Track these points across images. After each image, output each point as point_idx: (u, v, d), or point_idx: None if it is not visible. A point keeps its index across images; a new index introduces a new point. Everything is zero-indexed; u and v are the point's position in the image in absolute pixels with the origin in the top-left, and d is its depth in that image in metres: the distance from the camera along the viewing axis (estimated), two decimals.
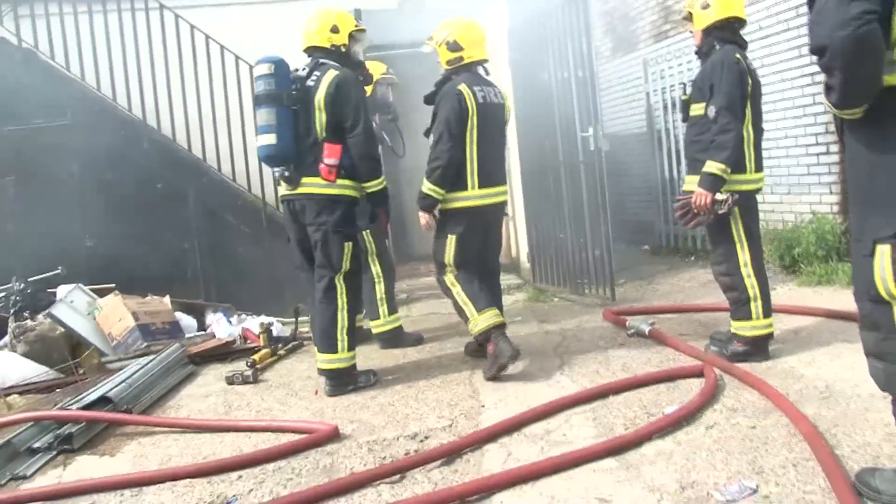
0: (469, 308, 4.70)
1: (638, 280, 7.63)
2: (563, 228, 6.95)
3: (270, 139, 4.49)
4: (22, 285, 6.36)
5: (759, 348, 4.43)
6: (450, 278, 4.81)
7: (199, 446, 3.95)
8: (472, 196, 4.75)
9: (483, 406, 4.11)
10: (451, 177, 4.70)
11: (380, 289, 5.72)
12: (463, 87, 4.69)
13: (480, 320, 4.65)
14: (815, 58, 2.38)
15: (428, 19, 7.08)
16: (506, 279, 7.66)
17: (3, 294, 6.37)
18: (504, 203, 5.06)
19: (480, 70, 4.96)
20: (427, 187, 4.71)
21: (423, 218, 4.84)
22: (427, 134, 4.87)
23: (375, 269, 5.72)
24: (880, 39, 2.23)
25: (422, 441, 3.67)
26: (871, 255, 2.37)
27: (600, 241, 6.60)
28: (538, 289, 7.23)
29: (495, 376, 4.54)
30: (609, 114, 10.77)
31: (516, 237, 7.86)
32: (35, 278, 6.51)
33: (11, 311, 6.18)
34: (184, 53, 7.28)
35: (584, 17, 6.49)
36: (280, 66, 4.53)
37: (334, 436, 3.80)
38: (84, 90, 7.24)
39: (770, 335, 4.47)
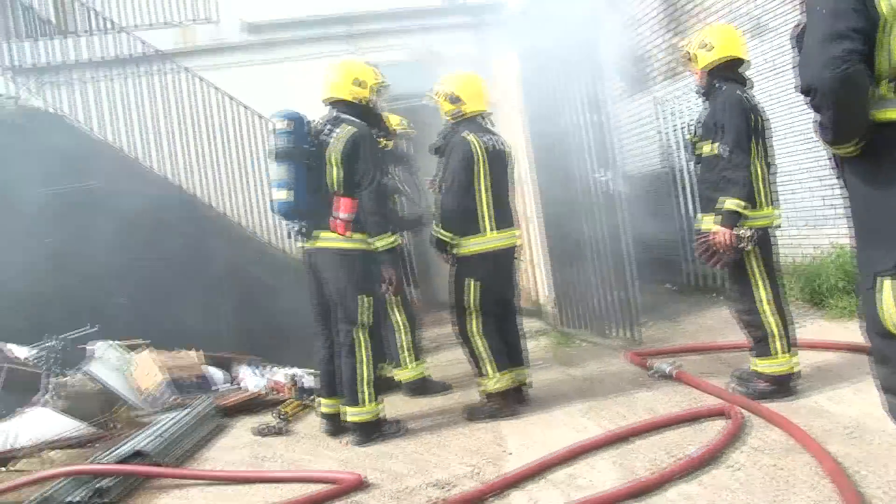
0: (488, 365, 4.81)
1: (663, 320, 7.63)
2: (586, 271, 7.00)
3: (286, 195, 4.60)
4: (57, 342, 6.52)
5: (782, 386, 4.42)
6: (472, 328, 4.88)
7: (229, 498, 4.04)
8: (490, 239, 4.87)
9: (507, 452, 4.15)
10: (463, 222, 4.83)
11: (404, 338, 5.81)
12: (470, 137, 4.83)
13: (499, 380, 4.77)
14: None
15: (445, 70, 7.30)
16: (529, 324, 7.73)
17: (39, 352, 6.53)
18: (517, 245, 5.15)
19: (482, 120, 5.09)
20: (438, 232, 4.86)
21: (441, 257, 5.02)
22: (435, 184, 5.01)
23: (397, 318, 5.81)
24: (864, 78, 2.30)
25: (447, 489, 3.71)
26: (874, 288, 2.41)
27: (623, 283, 6.65)
28: (562, 333, 7.27)
29: (485, 418, 4.75)
30: (626, 153, 10.86)
31: (540, 282, 7.90)
32: (69, 335, 6.68)
33: (48, 368, 6.33)
34: (205, 113, 7.49)
35: (592, 63, 6.62)
36: (298, 122, 4.66)
37: (360, 485, 3.86)
38: (112, 153, 7.49)
39: (793, 372, 4.47)
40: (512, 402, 4.84)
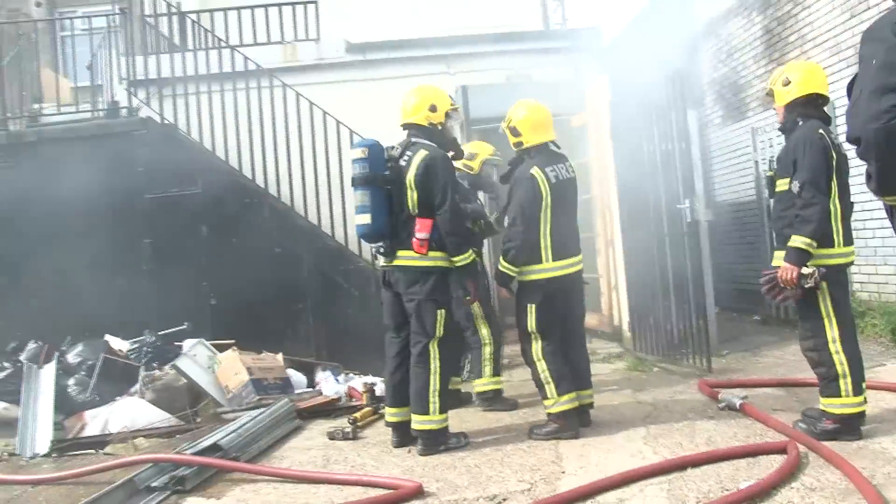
0: (551, 388, 4.92)
1: (742, 351, 7.53)
2: (665, 297, 6.99)
3: (366, 219, 4.84)
4: (153, 338, 6.97)
5: (849, 426, 4.34)
6: (536, 351, 5.00)
7: (295, 495, 4.25)
8: (547, 269, 4.98)
9: (564, 472, 4.23)
10: (527, 256, 4.95)
11: (486, 350, 5.99)
12: (536, 172, 4.94)
13: (560, 402, 4.89)
14: None
15: (535, 92, 7.44)
16: (607, 347, 7.81)
17: (136, 346, 6.99)
18: (580, 272, 5.24)
19: (549, 146, 5.17)
20: (503, 266, 4.98)
21: (502, 291, 5.17)
22: (501, 215, 5.15)
23: (483, 331, 6.00)
24: None
25: (500, 503, 3.83)
26: None
27: (701, 311, 6.62)
28: (638, 357, 7.26)
29: (544, 438, 4.86)
30: (719, 181, 10.75)
31: (619, 305, 7.92)
32: (164, 332, 7.14)
33: (142, 361, 6.76)
34: (303, 127, 7.87)
35: (681, 92, 6.64)
36: (374, 149, 4.88)
37: (418, 493, 4.01)
38: (214, 161, 7.96)
39: (862, 413, 4.39)
40: (573, 423, 4.92)
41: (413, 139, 4.99)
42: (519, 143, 5.13)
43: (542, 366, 4.96)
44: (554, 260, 4.98)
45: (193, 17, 8.73)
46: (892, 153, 2.36)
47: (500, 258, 5.00)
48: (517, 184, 5.00)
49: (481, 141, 6.90)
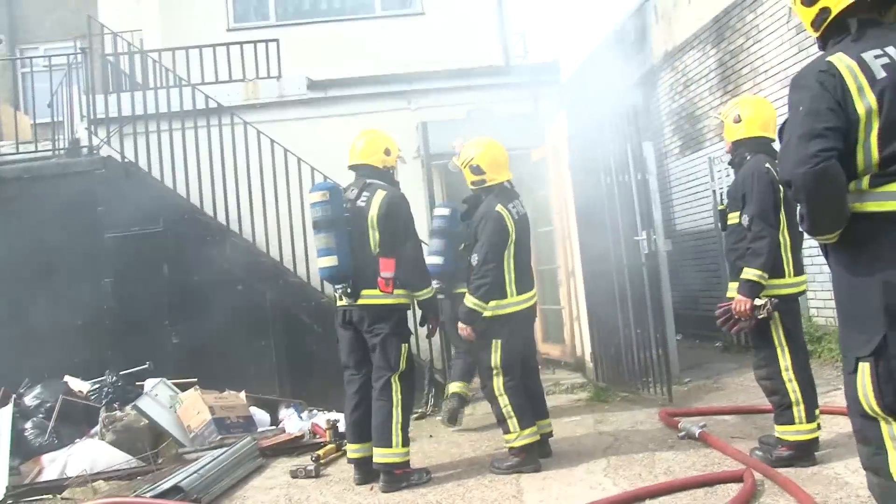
0: (513, 422, 4.95)
1: (704, 378, 7.64)
2: (626, 327, 7.07)
3: (332, 261, 4.87)
4: (113, 378, 6.89)
5: (804, 453, 4.43)
6: (498, 386, 5.02)
7: None
8: (511, 303, 5.06)
9: None
10: (496, 292, 5.01)
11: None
12: (501, 209, 5.04)
13: (523, 436, 4.93)
14: None
15: (495, 126, 7.56)
16: (570, 378, 7.87)
17: (96, 386, 6.90)
18: (535, 304, 5.34)
19: (507, 185, 5.30)
20: (472, 303, 5.01)
21: (465, 330, 5.12)
22: (466, 251, 5.23)
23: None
24: (839, 173, 2.45)
25: None
26: (854, 371, 2.51)
27: (661, 341, 6.72)
28: (600, 388, 7.32)
29: (505, 472, 4.90)
30: (678, 210, 10.94)
31: (581, 336, 7.99)
32: (125, 372, 7.05)
33: (103, 402, 6.68)
34: (264, 165, 7.90)
35: (636, 125, 6.78)
36: (334, 192, 4.98)
37: None
38: (175, 199, 7.93)
39: (815, 440, 4.48)
40: (534, 456, 4.96)
41: (368, 180, 5.07)
42: (481, 182, 5.21)
43: (504, 400, 4.99)
44: (518, 294, 5.06)
45: (155, 55, 8.74)
46: (820, 195, 2.47)
47: (469, 295, 5.03)
48: (486, 221, 5.05)
49: None
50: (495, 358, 5.01)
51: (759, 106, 4.80)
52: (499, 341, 5.02)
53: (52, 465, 5.84)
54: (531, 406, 5.07)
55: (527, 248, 5.27)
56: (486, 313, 5.02)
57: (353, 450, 5.12)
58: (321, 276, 5.26)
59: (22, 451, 6.10)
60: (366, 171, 5.12)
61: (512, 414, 4.95)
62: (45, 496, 5.47)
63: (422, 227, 6.51)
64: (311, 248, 7.73)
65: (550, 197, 8.36)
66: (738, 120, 4.66)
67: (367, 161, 5.12)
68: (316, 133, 8.60)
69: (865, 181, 2.52)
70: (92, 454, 5.90)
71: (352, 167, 5.21)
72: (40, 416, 6.46)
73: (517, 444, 4.92)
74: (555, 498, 4.33)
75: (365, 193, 4.99)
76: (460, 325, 5.13)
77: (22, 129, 9.50)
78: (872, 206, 2.50)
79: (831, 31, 2.74)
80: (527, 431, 4.93)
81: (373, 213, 4.90)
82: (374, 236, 4.92)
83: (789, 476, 4.11)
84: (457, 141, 5.32)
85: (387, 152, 5.15)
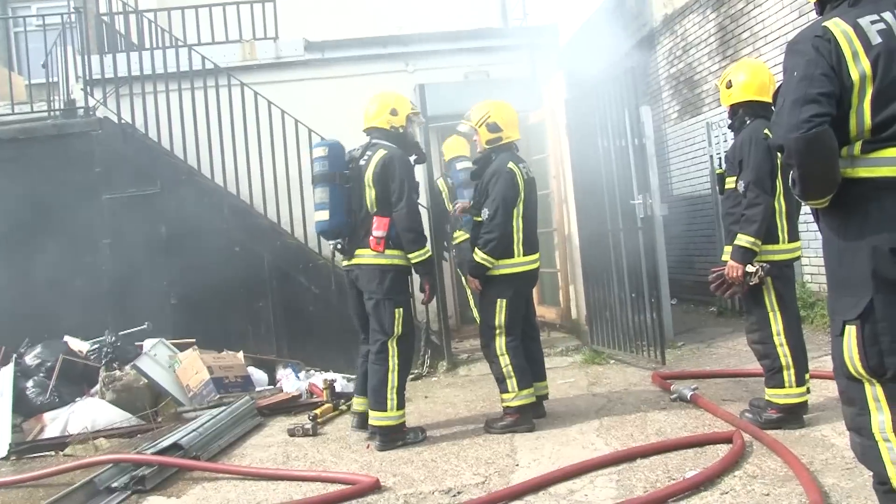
0: (512, 382, 5.03)
1: (698, 342, 7.73)
2: (621, 291, 7.13)
3: (324, 215, 4.99)
4: (113, 338, 6.95)
5: (793, 416, 4.51)
6: (500, 346, 5.10)
7: (254, 492, 4.32)
8: (518, 263, 5.13)
9: (518, 465, 4.35)
10: (504, 248, 5.08)
11: None
12: (513, 166, 5.10)
13: (521, 396, 5.01)
14: None
15: (493, 89, 7.53)
16: (564, 340, 7.94)
17: (96, 346, 6.97)
18: (538, 268, 5.39)
19: (515, 148, 5.38)
20: (480, 257, 5.08)
21: (474, 283, 5.28)
22: (473, 210, 5.25)
23: None
24: (831, 139, 2.47)
25: (454, 496, 3.93)
26: (841, 334, 2.56)
27: (656, 305, 6.78)
28: (595, 350, 7.40)
29: (500, 431, 4.99)
30: (676, 175, 10.95)
31: (576, 299, 8.06)
32: (124, 332, 7.11)
33: (103, 361, 6.75)
34: (261, 126, 7.87)
35: (635, 89, 6.77)
36: (333, 148, 5.07)
37: (375, 488, 4.11)
38: (172, 161, 7.93)
39: (804, 403, 4.56)
40: (528, 416, 5.04)
41: (373, 140, 5.12)
42: (497, 139, 5.23)
43: (505, 360, 5.07)
44: (525, 254, 5.14)
45: (150, 15, 8.68)
46: (812, 161, 2.50)
47: (478, 250, 5.11)
48: (497, 177, 5.10)
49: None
50: (500, 318, 5.09)
51: (755, 70, 4.78)
52: (504, 301, 5.09)
53: (54, 423, 5.94)
54: (530, 367, 5.15)
55: (534, 210, 5.32)
56: (493, 272, 5.10)
57: (358, 403, 5.33)
58: (315, 229, 5.45)
59: (24, 409, 6.21)
60: (375, 133, 5.17)
61: (512, 374, 5.03)
62: (47, 453, 5.57)
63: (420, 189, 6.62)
64: (308, 210, 7.77)
65: (548, 160, 8.37)
66: (729, 85, 4.68)
67: (374, 123, 5.16)
68: (313, 94, 8.55)
69: (857, 147, 2.54)
70: (92, 412, 5.99)
71: (365, 131, 5.25)
72: (41, 375, 6.53)
73: (514, 403, 5.01)
74: (548, 457, 4.41)
75: (367, 153, 5.06)
76: (469, 277, 5.30)
77: (17, 90, 9.42)
78: (863, 172, 2.53)
79: None
80: (524, 392, 5.01)
81: (369, 171, 4.96)
82: (370, 195, 4.97)
83: (777, 438, 4.19)
84: (464, 126, 5.38)
85: (392, 112, 5.15)
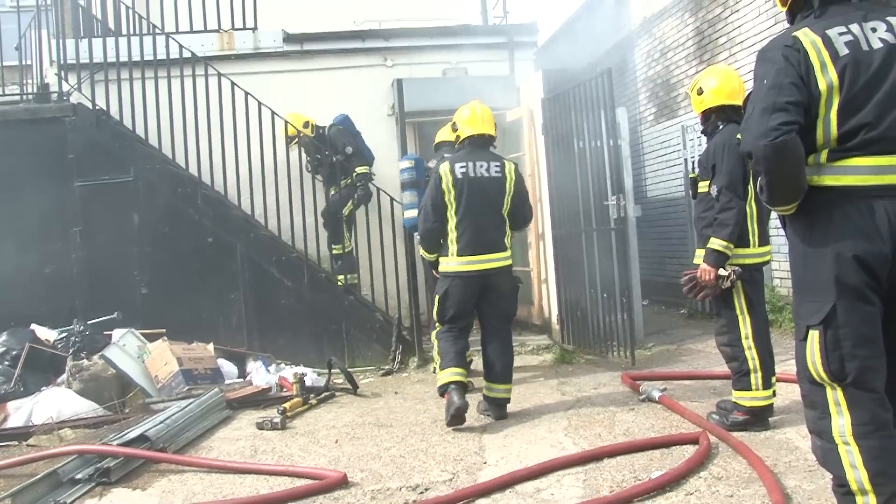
0: (437, 363, 5.35)
1: (668, 344, 7.80)
2: (592, 291, 7.17)
3: (414, 213, 6.24)
4: (81, 327, 6.88)
5: (758, 418, 4.57)
6: (434, 333, 5.45)
7: (221, 486, 4.29)
8: (453, 262, 5.28)
9: (485, 463, 4.36)
10: (433, 244, 5.35)
11: None
12: (443, 166, 5.31)
13: (442, 376, 5.17)
14: None
15: (470, 86, 7.55)
16: (536, 340, 7.96)
17: (64, 335, 6.89)
18: (498, 269, 5.32)
19: (477, 145, 5.47)
20: (420, 250, 5.58)
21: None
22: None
23: None
24: (798, 147, 2.51)
25: (421, 493, 3.94)
26: (805, 339, 2.61)
27: (627, 305, 6.83)
28: (565, 350, 7.44)
29: (451, 423, 5.06)
30: (650, 177, 11.03)
31: (548, 298, 8.09)
32: (94, 321, 7.05)
33: (70, 350, 6.68)
34: (238, 117, 7.81)
35: (611, 90, 6.80)
36: (419, 161, 6.86)
37: (343, 483, 4.09)
38: (146, 149, 7.84)
39: (770, 406, 4.62)
40: (454, 394, 5.09)
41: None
42: (456, 138, 5.61)
43: (435, 344, 5.47)
44: (459, 255, 5.32)
45: (128, 1, 8.57)
46: (779, 168, 2.53)
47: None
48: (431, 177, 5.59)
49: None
50: (434, 311, 5.40)
51: (724, 75, 4.85)
52: (437, 297, 5.37)
53: (18, 413, 5.85)
54: (485, 369, 5.40)
55: (483, 210, 5.30)
56: (439, 268, 5.40)
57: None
58: (405, 224, 7.01)
59: None
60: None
61: (437, 357, 5.40)
62: (10, 443, 5.49)
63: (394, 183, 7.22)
64: (282, 203, 7.76)
65: (524, 158, 8.39)
66: (700, 92, 4.74)
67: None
68: (291, 87, 8.55)
69: (823, 155, 2.59)
70: (58, 402, 5.91)
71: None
72: (6, 363, 6.45)
73: (440, 382, 5.21)
74: (516, 455, 4.43)
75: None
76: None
77: None
78: (829, 180, 2.57)
79: (798, 5, 2.80)
80: (448, 371, 5.16)
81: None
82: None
83: (743, 440, 4.25)
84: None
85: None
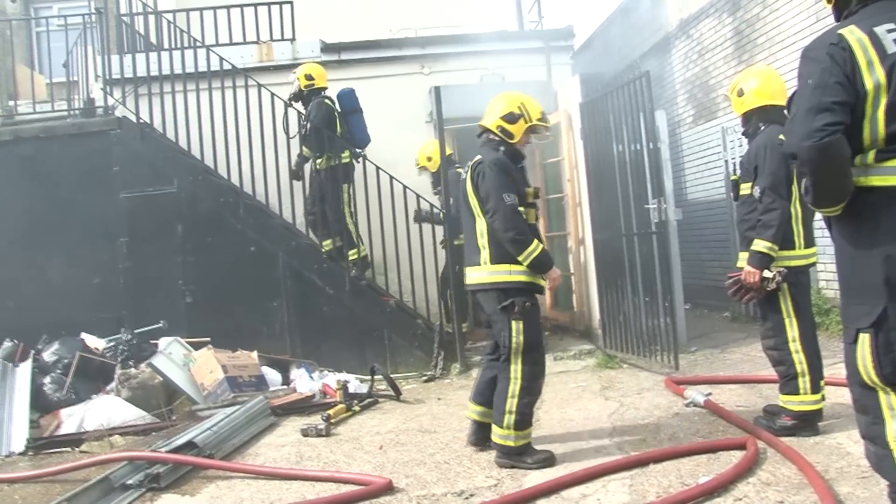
0: None
1: (711, 347, 7.70)
2: (634, 295, 7.13)
3: None
4: (129, 336, 7.02)
5: (807, 423, 4.49)
6: None
7: (268, 491, 4.35)
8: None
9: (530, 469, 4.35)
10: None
11: None
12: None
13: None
14: None
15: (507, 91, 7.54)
16: (578, 345, 7.93)
17: (112, 343, 7.03)
18: (477, 286, 4.67)
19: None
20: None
21: None
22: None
23: None
24: (844, 148, 2.47)
25: (467, 498, 3.95)
26: (854, 342, 2.56)
27: (669, 309, 6.78)
28: (608, 355, 7.39)
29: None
30: (690, 180, 10.93)
31: (589, 303, 8.06)
32: (140, 330, 7.19)
33: (119, 359, 6.81)
34: (277, 127, 7.93)
35: (649, 93, 6.76)
36: None
37: (388, 489, 4.12)
38: (189, 161, 7.99)
39: (819, 411, 4.54)
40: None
41: None
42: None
43: None
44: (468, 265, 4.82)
45: (169, 16, 8.74)
46: (825, 169, 2.50)
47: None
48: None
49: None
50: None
51: (765, 76, 4.78)
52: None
53: (70, 420, 6.00)
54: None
55: (464, 219, 4.81)
56: None
57: None
58: None
59: (41, 405, 6.28)
60: None
61: None
62: (63, 449, 5.63)
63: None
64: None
65: (562, 164, 8.37)
66: (741, 94, 4.68)
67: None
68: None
69: (871, 156, 2.54)
70: (108, 410, 6.06)
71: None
72: (58, 371, 6.60)
73: None
74: (560, 461, 4.41)
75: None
76: None
77: (38, 89, 9.53)
78: (876, 181, 2.53)
79: (845, 2, 2.75)
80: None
81: None
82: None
83: (792, 445, 4.17)
84: None
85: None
